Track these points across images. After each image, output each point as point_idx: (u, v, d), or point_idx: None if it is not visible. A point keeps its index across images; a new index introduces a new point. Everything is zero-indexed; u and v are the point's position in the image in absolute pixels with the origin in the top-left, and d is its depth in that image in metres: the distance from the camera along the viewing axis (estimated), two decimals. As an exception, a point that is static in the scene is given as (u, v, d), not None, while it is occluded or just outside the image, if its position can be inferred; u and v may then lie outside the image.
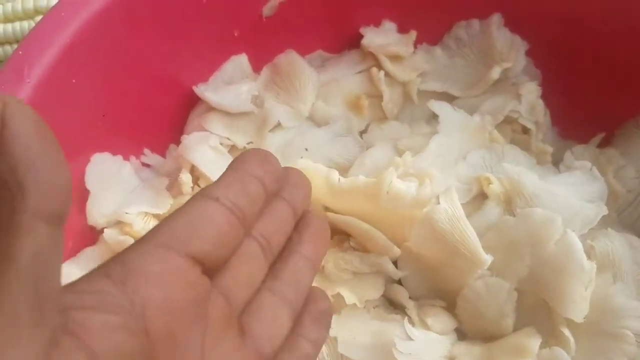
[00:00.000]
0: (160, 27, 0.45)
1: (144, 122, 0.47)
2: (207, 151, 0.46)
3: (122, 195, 0.44)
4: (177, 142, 0.48)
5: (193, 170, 0.46)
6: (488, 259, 0.38)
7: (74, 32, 0.39)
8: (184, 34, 0.47)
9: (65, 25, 0.39)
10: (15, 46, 0.51)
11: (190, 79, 0.50)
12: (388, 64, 0.51)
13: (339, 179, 0.41)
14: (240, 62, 0.51)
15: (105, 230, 0.42)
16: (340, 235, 0.43)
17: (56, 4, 0.40)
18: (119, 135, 0.45)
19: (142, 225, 0.42)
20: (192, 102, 0.50)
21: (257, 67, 0.52)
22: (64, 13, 0.39)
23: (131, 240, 0.40)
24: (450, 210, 0.38)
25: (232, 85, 0.50)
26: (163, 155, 0.49)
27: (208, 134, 0.47)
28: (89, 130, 0.43)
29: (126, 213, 0.42)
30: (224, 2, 0.47)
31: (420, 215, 0.39)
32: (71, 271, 0.40)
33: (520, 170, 0.42)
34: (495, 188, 0.42)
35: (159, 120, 0.49)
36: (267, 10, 0.50)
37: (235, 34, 0.50)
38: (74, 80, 0.40)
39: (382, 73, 0.50)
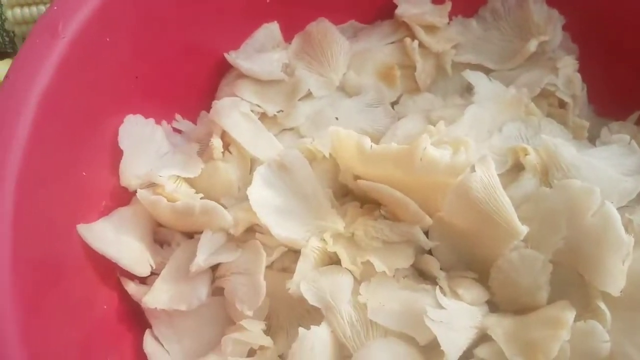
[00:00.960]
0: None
1: (176, 87, 0.47)
2: (237, 117, 0.45)
3: (154, 158, 0.43)
4: (208, 108, 0.47)
5: (224, 135, 0.45)
6: (524, 229, 0.37)
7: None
8: (216, 1, 0.47)
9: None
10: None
11: (222, 46, 0.49)
12: (422, 34, 0.50)
13: (371, 145, 0.40)
14: (271, 30, 0.51)
15: (138, 190, 0.42)
16: (371, 204, 0.42)
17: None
18: (151, 99, 0.45)
19: (174, 187, 0.42)
20: (224, 69, 0.50)
21: (288, 36, 0.52)
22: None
23: (164, 201, 0.40)
24: (486, 178, 0.38)
25: (263, 53, 0.50)
26: (194, 121, 0.49)
27: (239, 99, 0.47)
28: (121, 91, 0.43)
29: (159, 176, 0.42)
30: (257, -32, 0.47)
31: (455, 183, 0.38)
32: (105, 230, 0.40)
33: (558, 142, 0.41)
34: (532, 159, 0.41)
35: (191, 86, 0.49)
36: (300, -23, 0.49)
37: (267, 1, 0.49)
38: (107, 39, 0.40)
39: (415, 43, 0.49)
